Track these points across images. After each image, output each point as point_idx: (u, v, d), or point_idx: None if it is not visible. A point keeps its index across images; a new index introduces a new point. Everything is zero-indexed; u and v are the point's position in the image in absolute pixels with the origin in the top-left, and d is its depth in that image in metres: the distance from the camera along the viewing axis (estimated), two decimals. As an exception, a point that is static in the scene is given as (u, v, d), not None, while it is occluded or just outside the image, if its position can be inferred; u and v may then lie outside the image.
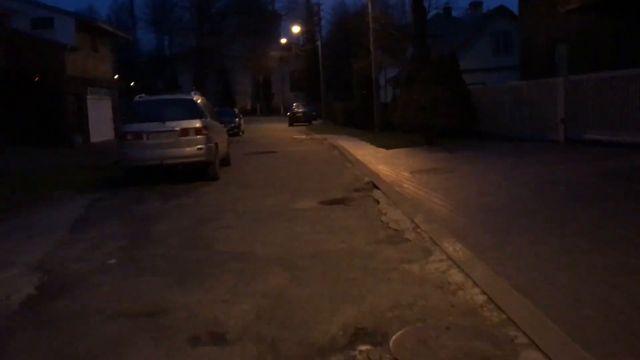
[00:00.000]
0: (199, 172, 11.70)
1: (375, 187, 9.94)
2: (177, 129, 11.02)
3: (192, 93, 11.94)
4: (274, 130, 35.84)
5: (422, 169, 11.19)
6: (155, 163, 11.10)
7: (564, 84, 12.65)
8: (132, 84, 66.26)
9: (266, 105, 67.31)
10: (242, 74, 67.75)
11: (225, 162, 14.24)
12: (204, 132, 11.17)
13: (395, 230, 6.68)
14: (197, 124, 11.14)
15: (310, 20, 63.15)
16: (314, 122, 43.46)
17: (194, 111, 11.34)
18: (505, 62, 28.43)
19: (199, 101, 11.92)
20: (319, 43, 45.66)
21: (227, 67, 64.17)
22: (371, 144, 18.27)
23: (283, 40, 63.47)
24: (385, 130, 24.38)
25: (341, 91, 59.16)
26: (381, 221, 7.21)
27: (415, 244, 5.99)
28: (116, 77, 58.44)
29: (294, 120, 42.42)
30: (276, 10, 61.34)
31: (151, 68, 66.61)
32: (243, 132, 32.71)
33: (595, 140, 11.82)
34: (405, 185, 9.41)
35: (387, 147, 16.15)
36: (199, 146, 11.10)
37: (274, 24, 64.12)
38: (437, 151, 14.30)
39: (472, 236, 5.82)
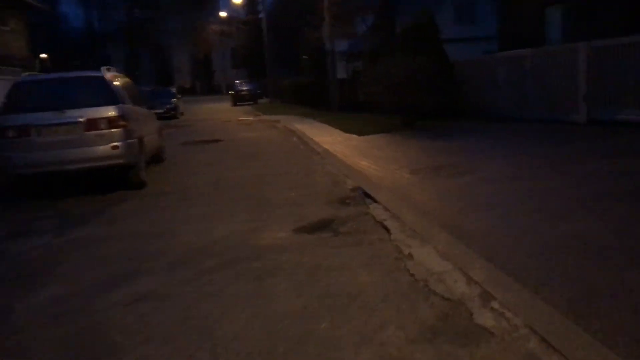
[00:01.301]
0: (119, 176, 8.44)
1: (368, 196, 7.00)
2: (81, 120, 7.67)
3: (103, 69, 8.55)
4: (217, 111, 32.28)
5: (425, 166, 8.31)
6: (51, 169, 7.77)
7: (586, 52, 10.00)
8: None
9: (207, 84, 63.04)
10: (180, 50, 63.18)
11: (158, 158, 10.98)
12: (121, 123, 7.87)
13: (448, 300, 3.78)
14: (111, 112, 7.83)
15: (251, -8, 59.14)
16: (259, 100, 40.06)
17: (106, 94, 8.00)
18: (468, 32, 25.96)
19: (114, 80, 8.56)
20: (262, 15, 41.95)
21: (164, 43, 59.48)
22: (335, 127, 15.29)
23: (223, 14, 59.18)
24: (344, 110, 21.48)
25: (289, 67, 55.67)
26: (410, 274, 4.28)
27: (505, 341, 3.11)
28: (44, 56, 52.88)
29: (238, 100, 38.89)
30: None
31: (82, 46, 60.99)
32: (182, 114, 29.05)
33: (628, 121, 9.29)
34: (416, 196, 6.51)
35: (359, 133, 13.21)
36: (114, 144, 7.81)
37: (213, -3, 59.74)
38: (426, 138, 11.48)
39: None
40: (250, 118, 24.71)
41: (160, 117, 27.32)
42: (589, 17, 13.50)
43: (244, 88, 39.93)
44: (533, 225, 5.02)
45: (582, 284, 3.69)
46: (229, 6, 59.94)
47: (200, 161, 11.28)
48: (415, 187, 6.98)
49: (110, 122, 7.77)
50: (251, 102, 38.28)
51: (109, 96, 7.99)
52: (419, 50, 14.19)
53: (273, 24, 41.44)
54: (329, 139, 12.94)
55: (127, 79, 9.66)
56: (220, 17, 58.79)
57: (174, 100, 27.75)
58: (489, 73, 13.44)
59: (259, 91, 42.66)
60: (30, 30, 51.36)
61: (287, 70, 55.68)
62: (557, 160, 7.81)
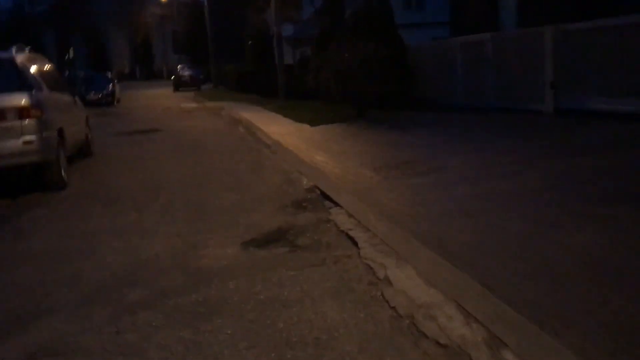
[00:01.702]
0: (34, 176, 7.18)
1: (328, 198, 6.09)
2: (-18, 109, 6.39)
3: (13, 49, 7.23)
4: (157, 98, 30.57)
5: (386, 162, 7.44)
6: (-53, 169, 6.47)
7: (553, 36, 9.37)
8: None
9: (146, 69, 60.39)
10: (117, 34, 60.18)
11: (85, 151, 9.70)
12: (34, 112, 6.62)
13: (445, 347, 2.92)
14: (22, 100, 6.56)
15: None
16: (203, 86, 38.40)
17: (15, 79, 6.72)
18: (418, 18, 25.37)
19: (28, 63, 7.25)
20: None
21: (99, 26, 56.46)
22: (285, 117, 14.27)
23: (163, -4, 56.64)
24: (292, 97, 20.44)
25: (233, 53, 53.88)
26: (391, 307, 3.41)
27: None
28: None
29: (179, 85, 37.12)
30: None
31: (10, 29, 57.04)
32: (118, 101, 27.24)
33: (596, 110, 8.75)
34: (382, 198, 5.64)
35: (311, 123, 12.25)
36: (26, 138, 6.56)
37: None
38: (382, 129, 10.65)
39: None
40: (193, 105, 23.34)
41: (95, 104, 25.61)
42: (546, 1, 13.01)
43: (186, 73, 38.16)
44: (527, 238, 4.22)
45: (616, 323, 2.89)
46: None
47: (134, 155, 10.04)
48: (379, 188, 6.11)
49: (21, 112, 6.51)
50: (194, 88, 36.61)
51: (20, 81, 6.72)
52: (370, 35, 13.35)
53: (216, 7, 39.75)
54: (278, 129, 11.93)
55: (45, 62, 8.34)
56: (159, 0, 56.25)
57: (110, 86, 25.92)
58: (445, 59, 12.73)
59: (201, 77, 40.91)
60: None
61: (231, 56, 53.86)
62: (528, 156, 7.12)
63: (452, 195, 5.56)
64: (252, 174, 7.83)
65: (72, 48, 46.54)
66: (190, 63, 52.74)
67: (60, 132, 7.35)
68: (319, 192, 6.41)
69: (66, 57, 41.41)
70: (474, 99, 11.68)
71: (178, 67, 44.09)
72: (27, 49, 7.62)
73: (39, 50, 31.14)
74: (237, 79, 33.33)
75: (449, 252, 4.01)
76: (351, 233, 4.79)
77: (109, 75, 28.33)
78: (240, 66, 37.26)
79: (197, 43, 55.68)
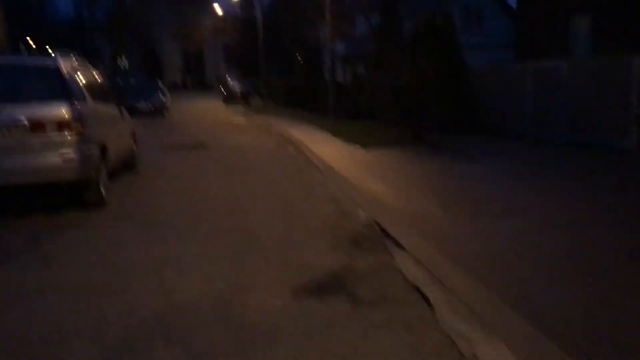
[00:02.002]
0: (71, 193, 6.71)
1: (389, 236, 5.38)
2: (22, 120, 5.95)
3: (59, 54, 6.82)
4: (207, 110, 30.52)
5: (455, 197, 6.67)
6: (-22, 183, 6.04)
7: (643, 64, 8.44)
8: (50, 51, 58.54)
9: (197, 80, 61.14)
10: (171, 44, 61.27)
11: (129, 165, 9.27)
12: (76, 125, 6.15)
13: None
14: (64, 111, 6.10)
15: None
16: (251, 100, 38.31)
17: (58, 88, 6.27)
18: (476, 40, 24.44)
19: (74, 70, 6.83)
20: (258, 10, 40.31)
21: (155, 36, 57.59)
22: (336, 137, 13.63)
23: (218, 9, 57.36)
24: (342, 116, 19.83)
25: (283, 67, 53.91)
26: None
27: None
28: (29, 40, 50.66)
29: (229, 98, 37.16)
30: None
31: (70, 37, 58.80)
32: (168, 111, 27.23)
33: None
34: (456, 244, 4.87)
35: (364, 145, 11.55)
36: (65, 153, 6.09)
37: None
38: (443, 156, 9.85)
39: None
40: (241, 119, 23.00)
41: (144, 113, 25.63)
42: (620, 27, 12.02)
43: (236, 86, 38.19)
44: (649, 314, 3.40)
45: None
46: (223, 1, 58.12)
47: (179, 172, 9.54)
48: (451, 230, 5.35)
49: (61, 125, 6.04)
50: (243, 101, 36.56)
51: (62, 91, 6.26)
52: (431, 55, 12.63)
53: (268, 22, 39.75)
54: (330, 150, 11.29)
55: (92, 69, 7.94)
56: (214, 13, 56.95)
57: (160, 96, 25.93)
58: (512, 84, 11.85)
59: (251, 90, 40.90)
60: (16, 17, 49.32)
61: (281, 70, 53.93)
62: (624, 202, 6.22)
63: (543, 247, 4.74)
64: (302, 200, 7.17)
65: (125, 56, 47.42)
66: (241, 76, 53.08)
67: (103, 147, 6.88)
68: (378, 228, 5.69)
69: (120, 65, 42.15)
70: (544, 129, 10.76)
71: (228, 79, 44.31)
72: (73, 55, 7.21)
73: (95, 57, 31.44)
74: (286, 94, 33.11)
75: (548, 326, 3.23)
76: (423, 288, 4.04)
77: (160, 84, 28.39)
78: (290, 81, 37.05)
79: (248, 56, 56.11)
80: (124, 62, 58.10)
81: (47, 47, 52.97)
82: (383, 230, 5.60)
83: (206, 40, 60.39)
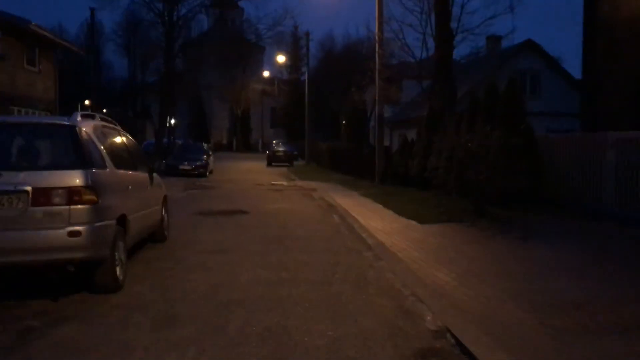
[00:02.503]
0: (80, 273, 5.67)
1: (468, 353, 4.07)
2: (24, 188, 5.01)
3: (76, 114, 5.93)
4: (249, 172, 29.90)
5: (547, 300, 5.27)
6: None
7: None
8: (104, 111, 60.33)
9: (243, 141, 61.49)
10: (219, 106, 62.26)
11: (157, 236, 8.28)
12: (88, 196, 5.16)
13: None
14: (76, 179, 5.13)
15: (296, 53, 58.29)
16: (295, 162, 37.73)
17: (73, 152, 5.35)
18: (532, 106, 23.16)
19: (95, 131, 5.93)
20: (305, 76, 40.35)
21: (203, 97, 58.62)
22: (386, 207, 12.42)
23: (266, 74, 58.31)
24: (389, 182, 18.70)
25: (327, 130, 53.72)
26: None
27: None
28: (87, 102, 52.25)
29: (273, 160, 36.63)
30: (260, 42, 56.28)
31: (124, 98, 60.60)
32: (211, 173, 26.70)
33: None
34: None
35: (419, 219, 10.27)
36: (73, 228, 5.08)
37: (256, 56, 58.97)
38: (515, 238, 8.43)
39: None
40: (284, 183, 22.11)
41: (187, 174, 25.15)
42: None
43: (280, 149, 37.74)
44: None
45: None
46: (272, 66, 59.09)
47: (212, 245, 8.45)
48: (552, 352, 3.99)
49: (71, 195, 5.07)
50: (287, 164, 35.97)
51: (78, 155, 5.33)
52: (492, 120, 11.49)
53: (313, 88, 39.64)
54: (380, 223, 10.07)
55: (119, 131, 7.08)
56: (262, 77, 57.84)
57: (204, 157, 25.49)
58: (589, 156, 10.49)
59: (295, 152, 40.44)
60: (72, 76, 51.10)
61: (326, 134, 53.74)
62: None
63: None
64: (352, 292, 5.92)
65: (171, 117, 48.08)
66: (285, 138, 53.08)
67: (122, 219, 5.88)
68: (452, 340, 4.39)
69: (169, 125, 42.61)
70: (627, 208, 9.31)
71: (273, 142, 44.11)
72: (98, 116, 6.36)
73: (146, 118, 31.32)
74: (330, 157, 32.32)
75: None
76: None
77: (205, 146, 28.06)
78: (334, 144, 36.42)
79: (293, 119, 56.37)
80: (171, 123, 59.10)
81: (102, 107, 54.48)
82: (459, 344, 4.30)
83: (254, 102, 61.17)
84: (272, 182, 22.08)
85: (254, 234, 9.38)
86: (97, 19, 50.67)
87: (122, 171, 6.25)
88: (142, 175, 7.32)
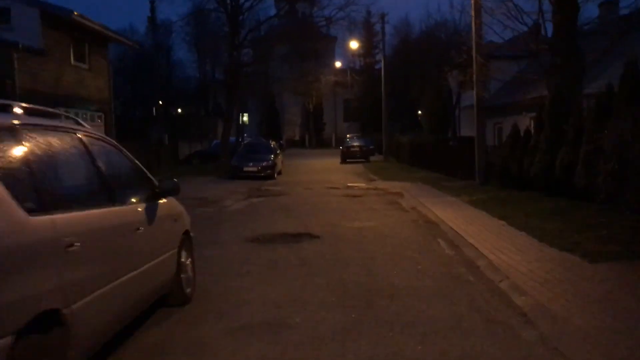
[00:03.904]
0: None
1: None
2: None
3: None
4: (322, 171, 26.73)
5: None
6: None
7: None
8: (179, 110, 59.28)
9: (316, 137, 58.56)
10: (291, 101, 59.61)
11: (174, 297, 5.13)
12: None
13: None
14: None
15: (369, 41, 54.60)
16: (372, 158, 34.22)
17: None
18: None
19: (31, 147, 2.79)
20: (380, 63, 36.71)
21: (274, 93, 56.11)
22: (513, 225, 8.70)
23: (338, 64, 55.00)
24: (495, 183, 14.91)
25: (405, 122, 49.68)
26: None
27: None
28: (161, 103, 51.06)
29: (347, 156, 33.31)
30: (330, 31, 52.98)
31: (196, 97, 59.19)
32: (280, 174, 23.74)
33: None
34: None
35: (579, 251, 6.53)
36: None
37: (327, 46, 55.73)
38: None
39: None
40: (362, 184, 18.69)
41: (253, 176, 22.27)
42: None
43: (355, 144, 34.34)
44: None
45: None
46: (344, 55, 55.80)
47: (258, 313, 5.09)
48: None
49: None
50: (362, 160, 32.56)
51: None
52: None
53: (390, 74, 35.80)
54: (520, 260, 6.45)
55: (112, 146, 3.97)
56: (334, 69, 54.56)
57: (271, 156, 22.50)
58: None
59: (371, 147, 36.89)
60: (146, 75, 49.91)
61: (403, 124, 49.64)
62: None
63: None
64: None
65: (240, 113, 45.81)
66: (360, 132, 49.56)
67: (51, 320, 2.74)
68: None
69: (237, 123, 40.42)
70: None
71: (347, 137, 40.82)
72: (18, 107, 3.27)
73: (218, 115, 28.35)
74: (412, 151, 28.57)
75: None
76: None
77: (272, 144, 25.12)
78: (416, 137, 32.60)
79: (368, 111, 52.71)
80: (244, 120, 57.17)
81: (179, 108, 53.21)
82: None
83: (326, 96, 58.08)
84: (349, 184, 18.73)
85: (325, 286, 5.99)
86: (166, 16, 49.40)
87: (58, 216, 3.07)
88: (125, 211, 4.13)
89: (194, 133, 44.92)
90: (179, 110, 57.46)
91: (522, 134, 14.18)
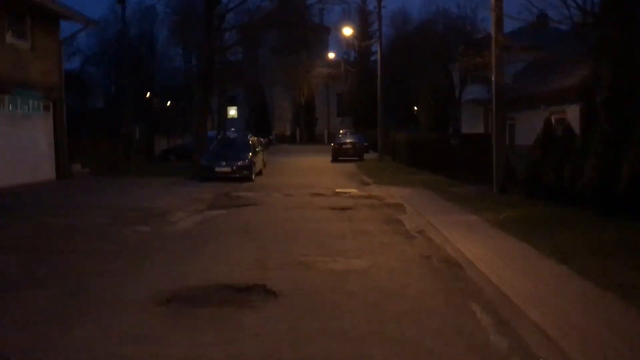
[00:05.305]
0: None
1: None
2: None
3: None
4: (310, 171, 23.35)
5: None
6: None
7: None
8: (168, 103, 55.56)
9: (307, 132, 55.05)
10: (282, 95, 56.06)
11: None
12: None
13: None
14: None
15: (364, 31, 51.13)
16: (365, 155, 30.82)
17: None
18: None
19: None
20: (376, 54, 33.33)
21: (265, 85, 52.56)
22: (591, 279, 5.35)
23: (331, 56, 51.46)
24: (518, 192, 11.63)
25: (399, 116, 46.30)
26: None
27: None
28: (148, 95, 47.37)
29: (339, 154, 29.88)
30: (323, 23, 49.46)
31: (182, 88, 55.45)
32: (260, 174, 20.32)
33: None
34: None
35: None
36: None
37: (320, 38, 52.19)
38: None
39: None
40: (354, 190, 15.29)
41: (226, 178, 18.54)
42: None
43: (348, 140, 30.85)
44: None
45: None
46: (337, 47, 52.37)
47: None
48: None
49: None
50: (355, 158, 29.16)
51: None
52: None
53: (386, 67, 32.27)
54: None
55: None
56: (327, 60, 51.03)
57: (248, 155, 19.00)
58: None
59: (365, 144, 33.48)
60: (134, 67, 46.09)
61: (398, 119, 46.22)
62: None
63: None
64: None
65: (223, 106, 42.38)
66: (353, 127, 46.14)
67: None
68: None
69: (228, 117, 37.21)
70: None
71: (340, 132, 37.41)
72: None
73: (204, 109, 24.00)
74: (410, 150, 25.15)
75: None
76: None
77: (250, 140, 21.62)
78: (415, 135, 29.24)
79: (362, 105, 49.23)
80: (230, 114, 53.67)
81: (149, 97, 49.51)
82: None
83: (318, 89, 54.62)
84: (337, 190, 15.32)
85: None
86: (151, 2, 45.37)
87: None
88: None
89: (176, 128, 41.43)
90: (166, 103, 53.84)
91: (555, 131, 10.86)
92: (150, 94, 49.34)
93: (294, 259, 6.80)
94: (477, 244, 7.15)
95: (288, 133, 56.95)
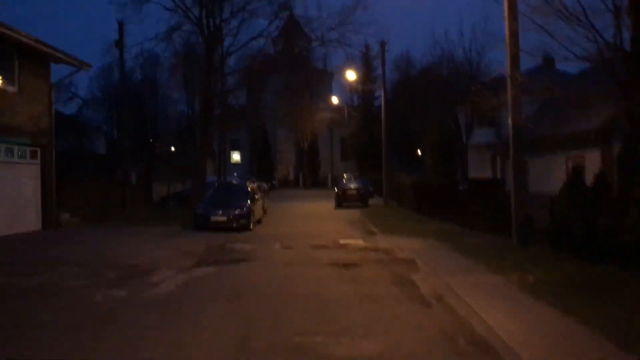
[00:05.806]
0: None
1: None
2: None
3: None
4: (312, 218, 22.08)
5: None
6: None
7: None
8: (172, 148, 54.94)
9: (311, 176, 53.99)
10: (285, 139, 55.36)
11: None
12: None
13: None
14: None
15: (367, 75, 50.71)
16: (370, 200, 29.55)
17: None
18: None
19: None
20: (381, 99, 32.55)
21: (268, 129, 51.91)
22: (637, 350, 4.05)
23: (334, 100, 50.87)
24: (537, 242, 10.33)
25: (402, 158, 45.25)
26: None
27: None
28: (153, 140, 46.56)
29: (343, 200, 28.57)
30: (327, 68, 49.13)
31: (186, 134, 54.84)
32: (259, 223, 19.05)
33: None
34: None
35: None
36: None
37: (323, 83, 51.76)
38: None
39: None
40: (359, 242, 13.97)
41: (222, 228, 15.24)
42: None
43: (352, 186, 29.64)
44: None
45: None
46: (341, 92, 51.94)
47: None
48: None
49: None
50: (360, 203, 27.89)
51: None
52: None
53: (390, 110, 31.34)
54: None
55: None
56: (330, 103, 50.46)
57: (247, 203, 17.76)
58: None
59: (370, 189, 32.30)
60: (137, 110, 45.42)
61: (402, 163, 45.16)
62: None
63: None
64: None
65: (224, 150, 41.66)
66: (358, 171, 45.12)
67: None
68: None
69: (222, 159, 36.24)
70: None
71: (344, 177, 36.26)
72: None
73: (209, 153, 22.23)
74: (417, 195, 23.89)
75: None
76: None
77: (249, 187, 20.43)
78: (421, 179, 28.04)
79: (366, 148, 48.36)
80: (234, 158, 52.92)
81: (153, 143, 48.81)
82: None
83: (322, 133, 53.95)
84: (341, 241, 14.02)
85: None
86: (153, 49, 44.97)
87: None
88: None
89: (177, 172, 40.51)
90: (170, 147, 53.17)
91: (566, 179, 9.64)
92: (152, 138, 48.76)
93: (286, 340, 5.46)
94: (511, 318, 5.82)
95: (291, 177, 55.95)
